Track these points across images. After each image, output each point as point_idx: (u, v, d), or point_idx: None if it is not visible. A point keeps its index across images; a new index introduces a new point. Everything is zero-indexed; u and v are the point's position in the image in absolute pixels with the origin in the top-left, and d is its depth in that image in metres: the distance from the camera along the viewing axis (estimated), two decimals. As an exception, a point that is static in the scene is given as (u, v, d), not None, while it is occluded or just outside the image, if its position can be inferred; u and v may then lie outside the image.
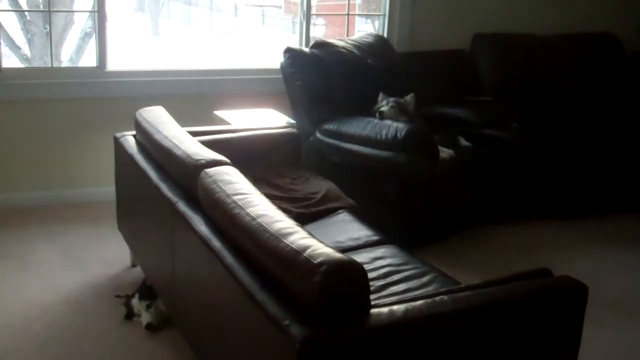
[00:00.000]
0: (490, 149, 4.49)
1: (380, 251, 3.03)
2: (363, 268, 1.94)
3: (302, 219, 3.06)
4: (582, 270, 3.91)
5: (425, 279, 2.74)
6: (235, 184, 2.51)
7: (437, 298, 2.03)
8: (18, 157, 4.53)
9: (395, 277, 2.75)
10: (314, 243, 2.00)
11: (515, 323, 2.08)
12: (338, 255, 1.94)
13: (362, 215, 3.47)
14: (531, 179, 4.58)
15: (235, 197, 2.37)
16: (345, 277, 1.90)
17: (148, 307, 3.17)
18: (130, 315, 3.25)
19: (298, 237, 2.05)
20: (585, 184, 4.72)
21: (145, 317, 3.15)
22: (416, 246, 3.53)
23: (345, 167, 4.15)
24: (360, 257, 2.89)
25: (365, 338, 1.86)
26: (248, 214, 2.23)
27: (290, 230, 2.10)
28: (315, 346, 1.78)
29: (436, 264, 2.97)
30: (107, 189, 4.19)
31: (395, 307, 1.94)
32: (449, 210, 4.28)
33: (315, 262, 1.89)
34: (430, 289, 2.65)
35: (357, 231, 3.27)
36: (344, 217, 3.44)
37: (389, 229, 3.37)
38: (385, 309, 1.93)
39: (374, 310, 1.91)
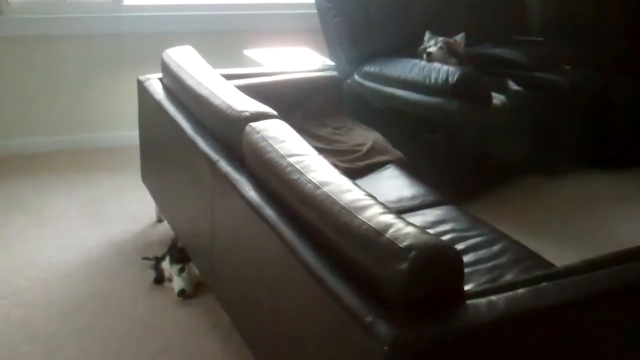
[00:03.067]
0: (542, 94, 4.12)
1: (439, 213, 2.73)
2: (459, 254, 1.62)
3: (350, 175, 2.73)
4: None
5: (496, 248, 2.44)
6: (287, 142, 2.17)
7: (541, 286, 1.70)
8: (29, 99, 4.20)
9: (462, 246, 2.44)
10: (396, 221, 1.67)
11: (628, 314, 1.76)
12: (428, 237, 1.61)
13: (411, 170, 3.14)
14: (585, 127, 4.22)
15: (292, 159, 2.03)
16: (439, 265, 1.57)
17: (180, 271, 2.88)
18: (159, 279, 2.96)
19: (375, 212, 1.72)
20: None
21: (178, 283, 2.86)
22: (464, 199, 3.28)
23: (387, 114, 3.82)
24: (418, 219, 2.59)
25: (464, 337, 1.54)
26: (310, 181, 1.89)
27: (364, 202, 1.77)
28: (407, 350, 1.47)
29: (488, 219, 2.70)
30: (128, 134, 3.93)
31: (494, 298, 1.62)
32: (498, 161, 3.93)
33: (401, 245, 1.56)
34: (503, 260, 2.37)
35: (410, 189, 2.96)
36: (392, 172, 3.12)
37: (434, 180, 3.08)
38: (482, 301, 1.61)
39: (470, 303, 1.60)
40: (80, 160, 4.17)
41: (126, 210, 3.58)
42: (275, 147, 2.12)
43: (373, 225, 1.65)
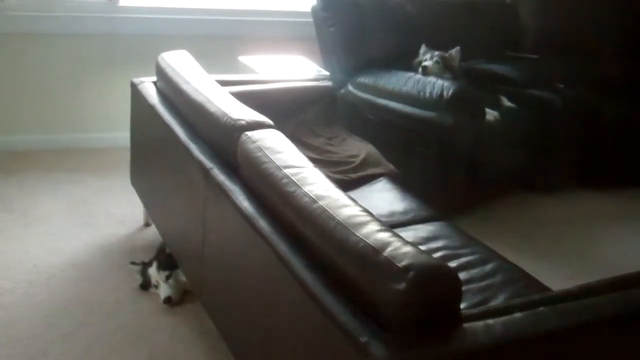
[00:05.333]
0: (535, 111, 4.12)
1: (431, 229, 2.70)
2: (457, 276, 1.60)
3: (342, 187, 2.70)
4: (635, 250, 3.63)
5: (488, 268, 2.41)
6: (284, 153, 2.14)
7: (538, 310, 1.68)
8: (20, 97, 4.17)
9: (454, 264, 2.42)
10: (394, 239, 1.64)
11: (626, 341, 1.74)
12: (426, 257, 1.59)
13: (403, 183, 3.13)
14: (576, 145, 4.20)
15: (288, 171, 2.00)
16: (437, 287, 1.55)
17: (167, 278, 2.84)
18: (146, 285, 2.91)
19: (373, 229, 1.69)
20: (637, 152, 4.34)
21: (164, 290, 2.82)
22: (454, 213, 3.26)
23: (380, 126, 3.78)
24: (410, 235, 2.56)
25: (460, 360, 1.52)
26: (306, 194, 1.87)
27: (361, 219, 1.74)
28: (403, 373, 1.45)
29: (478, 235, 2.69)
30: (117, 135, 3.90)
31: (491, 322, 1.60)
32: (489, 177, 3.92)
33: (399, 265, 1.53)
34: (495, 280, 2.34)
35: (402, 203, 2.94)
36: (384, 185, 3.10)
37: (426, 194, 3.06)
38: (479, 324, 1.59)
39: (467, 326, 1.57)
40: (68, 161, 4.13)
41: (113, 213, 3.54)
42: (272, 157, 2.09)
43: (370, 243, 1.62)
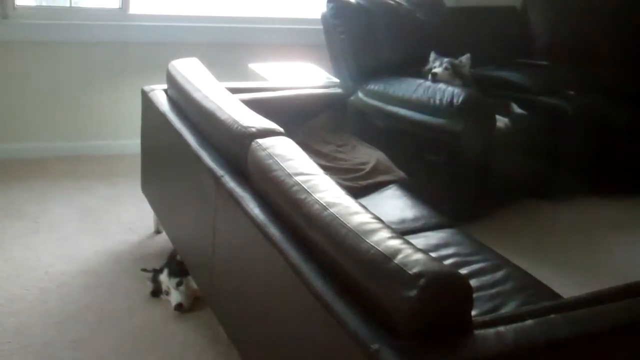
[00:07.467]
0: (545, 118, 4.11)
1: (442, 236, 2.70)
2: (469, 283, 1.59)
3: (352, 194, 2.70)
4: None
5: (499, 275, 2.41)
6: (294, 160, 2.15)
7: (549, 317, 1.67)
8: (31, 104, 4.18)
9: (465, 271, 2.42)
10: (405, 246, 1.65)
11: (638, 349, 1.74)
12: (438, 264, 1.59)
13: (413, 190, 3.13)
14: (587, 152, 4.19)
15: (299, 178, 2.00)
16: (448, 294, 1.55)
17: (178, 284, 2.84)
18: (157, 292, 2.92)
19: (384, 236, 1.69)
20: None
21: (175, 297, 2.83)
22: (464, 220, 3.24)
23: (390, 133, 3.79)
24: (420, 242, 2.57)
25: (472, 369, 1.52)
26: (317, 202, 1.87)
27: (372, 226, 1.74)
28: (414, 380, 1.45)
29: (488, 242, 2.69)
30: (126, 142, 3.92)
31: (502, 329, 1.59)
32: (499, 184, 3.91)
33: (411, 272, 1.53)
34: (506, 287, 2.34)
35: (412, 210, 2.94)
36: (395, 192, 3.10)
37: (435, 201, 3.06)
38: (490, 331, 1.58)
39: (478, 333, 1.57)
40: (79, 168, 4.15)
41: (124, 220, 3.55)
42: (282, 165, 2.09)
43: (382, 250, 1.63)
